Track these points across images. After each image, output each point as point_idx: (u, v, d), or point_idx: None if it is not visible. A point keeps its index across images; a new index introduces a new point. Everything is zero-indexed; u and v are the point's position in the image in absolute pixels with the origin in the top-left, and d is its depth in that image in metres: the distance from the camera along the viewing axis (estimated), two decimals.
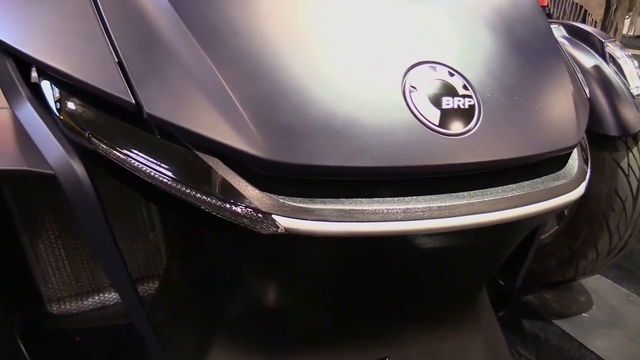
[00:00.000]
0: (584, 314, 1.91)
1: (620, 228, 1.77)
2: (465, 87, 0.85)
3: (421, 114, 0.81)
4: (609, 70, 1.70)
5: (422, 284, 0.97)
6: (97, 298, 1.42)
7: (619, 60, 1.72)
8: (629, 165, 1.72)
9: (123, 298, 0.97)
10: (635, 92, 1.70)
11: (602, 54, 1.73)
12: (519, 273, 1.27)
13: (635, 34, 6.58)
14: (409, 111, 0.81)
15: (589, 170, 0.99)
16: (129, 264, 1.45)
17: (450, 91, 0.84)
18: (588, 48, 1.77)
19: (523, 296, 1.99)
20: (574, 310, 1.93)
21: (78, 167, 0.81)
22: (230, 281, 0.94)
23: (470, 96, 0.85)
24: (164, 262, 1.32)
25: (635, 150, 1.72)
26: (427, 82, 0.84)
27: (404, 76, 0.83)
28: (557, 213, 1.94)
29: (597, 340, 1.78)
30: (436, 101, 0.82)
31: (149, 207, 1.38)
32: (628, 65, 1.69)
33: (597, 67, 1.69)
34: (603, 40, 1.73)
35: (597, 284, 2.08)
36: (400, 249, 0.83)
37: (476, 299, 1.16)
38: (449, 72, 0.86)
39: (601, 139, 1.67)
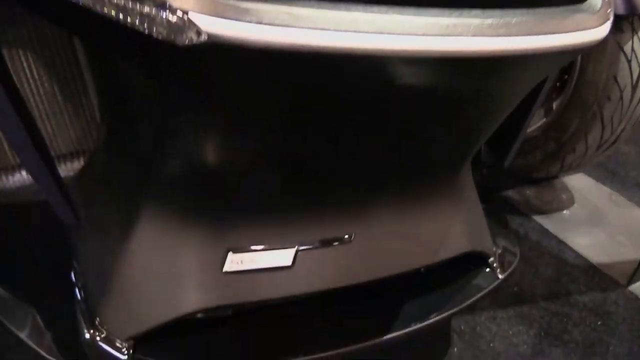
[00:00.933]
0: (564, 212, 1.77)
1: (615, 119, 1.59)
2: None
3: None
4: None
5: (394, 137, 0.77)
6: (25, 174, 1.21)
7: None
8: (633, 49, 1.51)
9: (24, 161, 0.76)
10: None
11: None
12: (509, 149, 1.08)
13: None
14: None
15: (612, 12, 0.76)
16: (57, 137, 1.23)
17: None
18: None
19: (502, 191, 1.84)
20: (554, 207, 1.78)
21: None
22: (157, 135, 0.72)
23: None
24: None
25: None
26: None
27: None
28: (546, 104, 1.75)
29: (577, 238, 1.65)
30: None
31: (79, 63, 1.13)
32: None
33: None
34: None
35: (580, 182, 1.93)
36: (366, 80, 0.61)
37: (460, 174, 0.97)
38: None
39: None
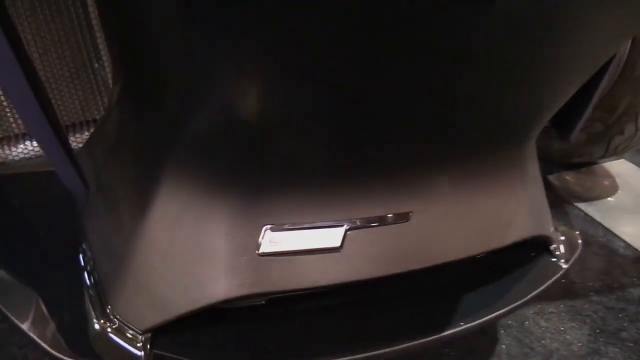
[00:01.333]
0: (609, 199, 1.62)
1: None
2: None
3: None
4: None
5: (469, 92, 0.62)
6: (28, 144, 1.07)
7: None
8: None
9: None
10: None
11: None
12: (576, 123, 0.93)
13: None
14: None
15: None
16: (67, 105, 1.09)
17: None
18: None
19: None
20: (597, 194, 1.63)
21: None
22: (184, 84, 0.58)
23: None
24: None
25: None
26: None
27: None
28: None
29: (624, 226, 1.50)
30: None
31: (90, 25, 0.99)
32: None
33: None
34: None
35: (621, 168, 1.77)
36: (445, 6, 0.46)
37: (527, 148, 0.83)
38: None
39: None
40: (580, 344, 1.14)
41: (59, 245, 0.87)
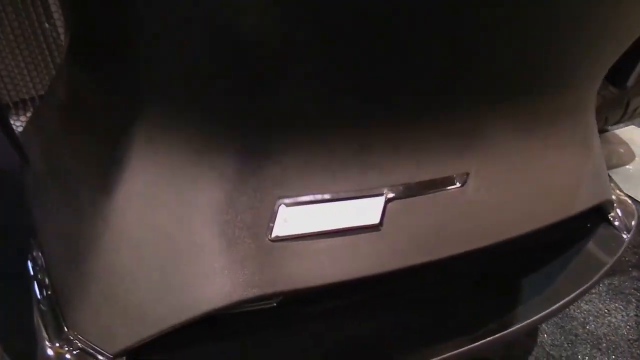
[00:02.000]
0: (628, 167, 1.46)
1: None
2: None
3: None
4: None
5: (520, 34, 0.45)
6: None
7: None
8: None
9: None
10: None
11: None
12: (633, 69, 0.76)
13: None
14: None
15: None
16: (12, 77, 0.87)
17: None
18: None
19: None
20: (615, 162, 1.48)
21: None
22: (155, 14, 0.38)
23: None
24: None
25: None
26: None
27: None
28: None
29: None
30: None
31: None
32: None
33: None
34: None
35: (633, 135, 1.63)
36: None
37: (588, 103, 0.66)
38: None
39: None
40: (628, 327, 0.97)
41: (2, 250, 0.66)
